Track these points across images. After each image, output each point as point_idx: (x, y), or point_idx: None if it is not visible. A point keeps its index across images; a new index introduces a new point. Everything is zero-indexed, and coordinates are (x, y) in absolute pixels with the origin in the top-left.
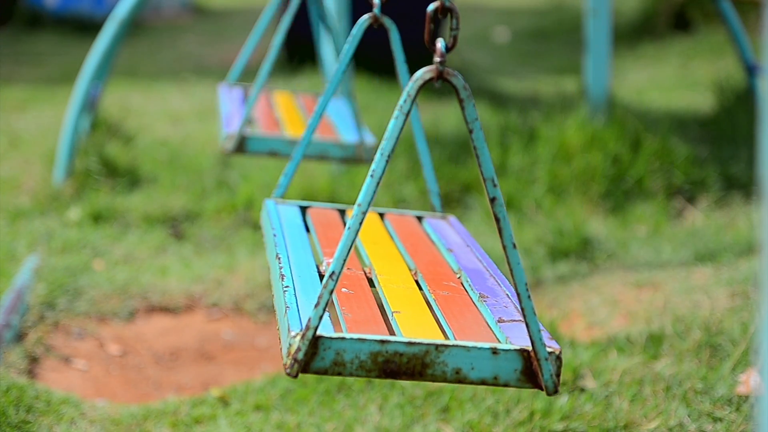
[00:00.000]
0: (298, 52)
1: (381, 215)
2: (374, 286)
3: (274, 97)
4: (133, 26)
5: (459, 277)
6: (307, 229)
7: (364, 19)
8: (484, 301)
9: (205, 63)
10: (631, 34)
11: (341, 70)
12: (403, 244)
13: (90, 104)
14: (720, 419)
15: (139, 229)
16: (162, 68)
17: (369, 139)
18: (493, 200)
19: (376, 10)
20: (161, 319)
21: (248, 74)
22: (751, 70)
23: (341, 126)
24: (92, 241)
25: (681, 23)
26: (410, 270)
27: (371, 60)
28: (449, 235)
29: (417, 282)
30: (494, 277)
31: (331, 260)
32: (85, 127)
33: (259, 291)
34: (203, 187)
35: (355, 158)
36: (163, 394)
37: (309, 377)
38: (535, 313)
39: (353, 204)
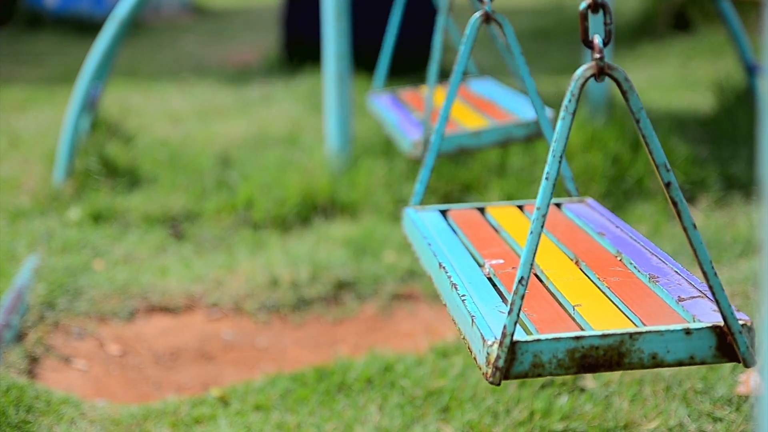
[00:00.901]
0: (298, 52)
1: (520, 207)
2: (542, 282)
3: (423, 96)
4: (133, 26)
5: (621, 260)
6: (453, 232)
7: (476, 17)
8: (656, 281)
9: (205, 63)
10: (631, 34)
11: (460, 70)
12: (553, 234)
13: (90, 104)
14: (720, 419)
15: (139, 229)
16: (162, 68)
17: (547, 112)
18: (668, 185)
19: (487, 7)
20: (161, 319)
21: (246, 74)
22: (751, 70)
23: (512, 107)
24: (92, 241)
25: (681, 23)
26: (571, 260)
27: (370, 59)
28: (594, 217)
29: (582, 271)
30: (656, 256)
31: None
32: (85, 127)
33: (259, 291)
34: (203, 187)
35: (538, 134)
36: (163, 394)
37: (308, 376)
38: (723, 289)
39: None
